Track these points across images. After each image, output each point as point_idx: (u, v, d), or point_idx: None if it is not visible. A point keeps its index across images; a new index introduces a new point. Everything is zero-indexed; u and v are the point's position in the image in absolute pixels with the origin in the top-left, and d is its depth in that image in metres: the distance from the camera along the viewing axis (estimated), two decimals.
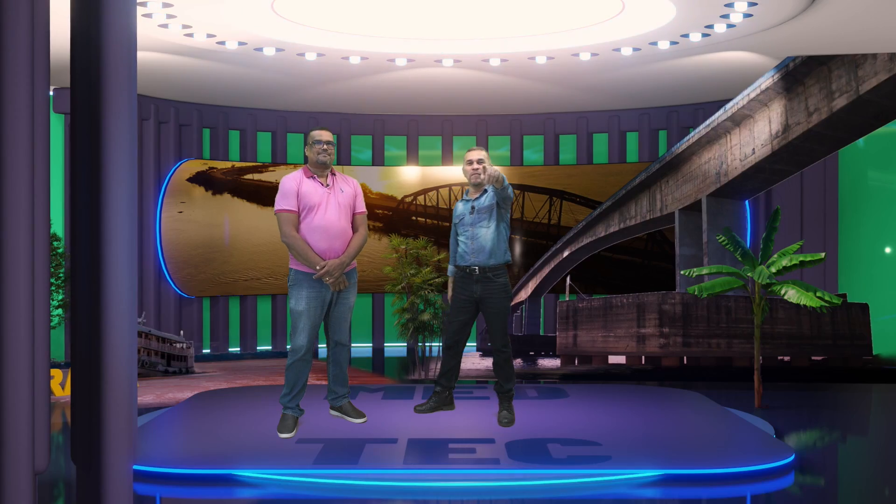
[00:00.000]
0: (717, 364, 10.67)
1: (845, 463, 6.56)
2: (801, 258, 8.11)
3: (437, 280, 11.65)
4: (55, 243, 11.36)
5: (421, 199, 14.31)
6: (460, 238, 6.70)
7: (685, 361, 10.76)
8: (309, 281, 6.24)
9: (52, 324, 11.26)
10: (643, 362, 10.94)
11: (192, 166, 13.20)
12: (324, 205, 6.28)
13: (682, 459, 5.67)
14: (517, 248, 14.24)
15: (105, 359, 3.92)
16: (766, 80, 10.14)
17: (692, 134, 11.68)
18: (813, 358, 10.87)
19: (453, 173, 14.20)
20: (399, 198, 14.29)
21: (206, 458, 5.72)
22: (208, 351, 13.58)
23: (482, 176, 6.48)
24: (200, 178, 13.26)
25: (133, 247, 4.03)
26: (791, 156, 10.28)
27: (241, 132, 13.84)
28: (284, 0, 8.88)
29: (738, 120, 10.79)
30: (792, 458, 5.77)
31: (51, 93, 11.43)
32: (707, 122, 11.36)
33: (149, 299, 12.81)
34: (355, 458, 5.56)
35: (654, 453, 5.77)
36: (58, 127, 12.11)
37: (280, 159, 13.89)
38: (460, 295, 6.68)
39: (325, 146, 6.35)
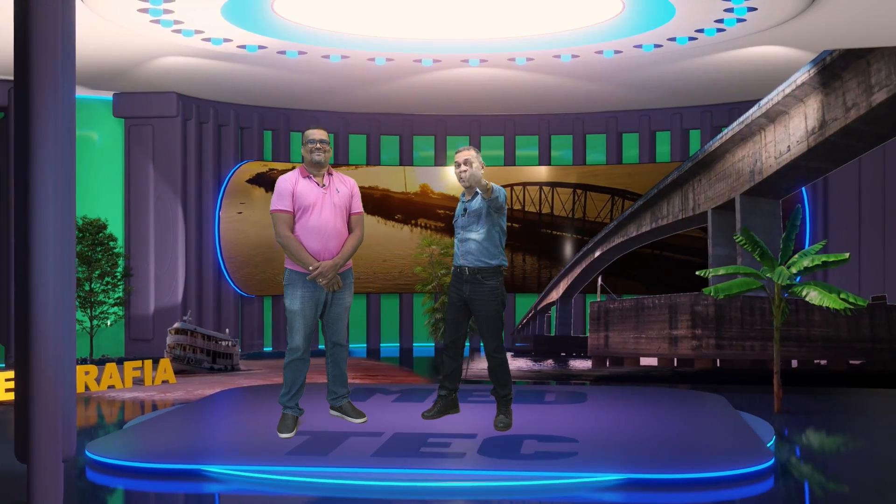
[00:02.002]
0: (752, 367, 10.39)
1: (833, 471, 6.33)
2: (824, 258, 7.88)
3: None
4: (111, 243, 11.83)
5: None
6: (455, 238, 6.67)
7: (718, 364, 10.52)
8: (303, 281, 6.29)
9: (108, 321, 11.76)
10: (675, 364, 10.74)
11: (251, 168, 13.57)
12: (319, 205, 6.32)
13: (650, 464, 5.59)
14: (570, 249, 14.14)
15: (35, 360, 4.09)
16: (801, 75, 9.83)
17: (725, 131, 11.42)
18: (850, 362, 10.50)
19: (515, 173, 14.26)
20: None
21: (177, 453, 5.89)
22: (270, 349, 13.92)
23: (465, 177, 6.43)
24: (260, 180, 13.61)
25: (69, 250, 4.17)
26: (828, 153, 9.94)
27: (302, 134, 14.08)
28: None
29: (772, 116, 10.48)
30: (768, 464, 5.63)
31: (110, 97, 12.11)
32: (741, 118, 11.08)
33: (208, 298, 13.21)
34: (325, 455, 5.65)
35: (624, 457, 5.70)
36: (118, 131, 12.66)
37: (341, 160, 14.09)
38: (452, 294, 6.65)
39: (318, 144, 6.42)
